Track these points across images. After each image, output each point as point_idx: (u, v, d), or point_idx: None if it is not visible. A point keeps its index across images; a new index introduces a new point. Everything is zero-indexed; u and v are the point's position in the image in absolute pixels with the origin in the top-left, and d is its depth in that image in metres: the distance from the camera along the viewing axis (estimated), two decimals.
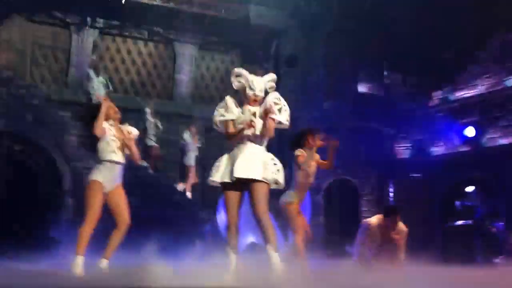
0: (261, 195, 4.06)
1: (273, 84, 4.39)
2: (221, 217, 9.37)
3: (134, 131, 4.97)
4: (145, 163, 10.37)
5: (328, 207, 11.50)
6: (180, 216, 9.57)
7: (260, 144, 4.20)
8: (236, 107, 4.31)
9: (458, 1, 12.83)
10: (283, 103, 4.25)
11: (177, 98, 12.54)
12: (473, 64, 12.09)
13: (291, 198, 5.43)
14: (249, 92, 4.26)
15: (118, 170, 4.78)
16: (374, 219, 6.38)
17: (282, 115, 4.21)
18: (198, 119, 12.09)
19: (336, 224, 11.10)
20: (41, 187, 10.99)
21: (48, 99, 11.10)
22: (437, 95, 12.75)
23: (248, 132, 4.14)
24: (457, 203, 10.72)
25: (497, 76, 11.46)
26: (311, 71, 12.71)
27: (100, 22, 12.13)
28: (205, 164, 11.76)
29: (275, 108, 4.17)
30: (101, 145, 4.74)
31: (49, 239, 8.68)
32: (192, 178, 10.76)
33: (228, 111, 4.30)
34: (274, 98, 4.26)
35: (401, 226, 6.26)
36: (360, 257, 6.22)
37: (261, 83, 4.31)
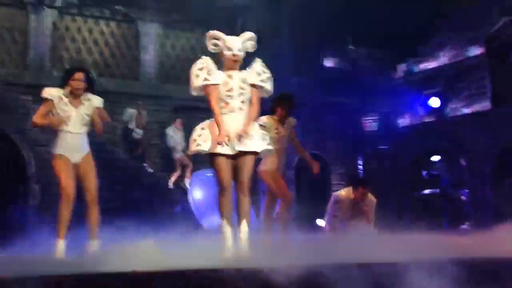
0: (251, 166, 3.96)
1: (254, 43, 4.11)
2: (193, 197, 9.35)
3: (97, 101, 4.74)
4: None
5: (299, 182, 11.60)
6: (151, 197, 9.49)
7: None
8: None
9: None
10: (268, 71, 4.09)
11: (142, 78, 12.31)
12: (435, 36, 12.27)
13: (265, 166, 5.43)
14: (227, 53, 3.97)
15: (76, 140, 4.56)
16: (344, 192, 6.48)
17: (269, 83, 4.06)
18: (166, 99, 11.96)
19: (307, 199, 11.23)
20: (4, 174, 10.71)
21: (8, 83, 10.75)
22: (401, 68, 12.93)
23: (237, 102, 3.94)
24: (424, 172, 10.99)
25: (459, 46, 11.66)
26: (277, 47, 12.67)
27: (59, 1, 11.73)
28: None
29: (265, 76, 4.02)
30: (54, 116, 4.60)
31: (16, 225, 8.49)
32: (179, 169, 10.75)
33: (212, 74, 3.99)
34: (261, 65, 4.07)
35: (370, 197, 6.38)
36: (331, 229, 6.33)
37: (238, 42, 4.01)
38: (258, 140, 3.95)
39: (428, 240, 4.82)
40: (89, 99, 4.68)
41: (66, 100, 4.57)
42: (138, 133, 10.79)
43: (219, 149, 3.87)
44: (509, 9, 10.63)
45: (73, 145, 4.56)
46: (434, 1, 12.29)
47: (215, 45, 4.04)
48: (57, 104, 4.55)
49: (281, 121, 5.52)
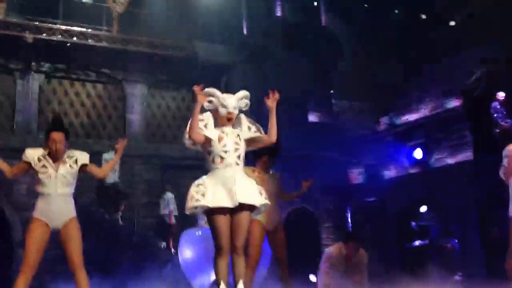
0: (247, 226, 3.91)
1: (248, 102, 4.12)
2: (182, 257, 9.21)
3: (82, 157, 4.52)
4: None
5: (288, 237, 11.51)
6: (140, 257, 9.35)
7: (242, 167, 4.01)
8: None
9: (395, 30, 13.49)
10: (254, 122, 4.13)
11: (130, 138, 12.35)
12: (415, 88, 12.62)
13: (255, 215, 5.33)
14: (222, 110, 3.97)
15: (57, 203, 4.29)
16: (335, 248, 6.43)
17: (262, 131, 4.09)
18: (154, 158, 12.00)
19: (297, 254, 11.11)
20: None
21: None
22: (384, 120, 13.19)
23: (233, 158, 3.93)
24: (413, 223, 11.00)
25: (438, 99, 11.98)
26: (261, 103, 12.90)
27: (45, 66, 11.92)
28: (159, 202, 11.63)
29: (254, 127, 4.07)
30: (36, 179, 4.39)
31: None
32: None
33: (208, 128, 3.99)
34: (248, 119, 4.12)
35: (362, 252, 6.35)
36: (324, 287, 6.25)
37: (234, 100, 4.03)
38: (257, 194, 3.90)
39: None
40: (72, 157, 4.45)
41: (46, 160, 4.34)
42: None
43: (220, 202, 3.78)
44: (484, 61, 11.03)
45: (53, 209, 4.29)
46: (412, 55, 12.74)
47: (210, 101, 4.04)
48: (36, 165, 4.32)
49: (265, 170, 5.45)
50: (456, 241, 10.66)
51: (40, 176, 4.33)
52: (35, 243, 4.20)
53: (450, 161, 11.18)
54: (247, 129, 4.08)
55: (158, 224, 11.19)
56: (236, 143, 3.96)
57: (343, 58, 13.72)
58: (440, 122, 11.59)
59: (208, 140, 3.94)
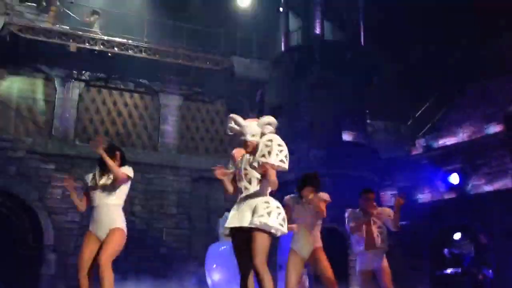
0: (258, 244, 3.85)
1: (270, 127, 4.11)
2: (209, 269, 9.16)
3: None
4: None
5: None
6: (167, 268, 9.37)
7: (260, 192, 3.99)
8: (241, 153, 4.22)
9: (437, 49, 13.24)
10: (276, 144, 4.01)
11: (162, 148, 12.51)
12: (454, 111, 12.34)
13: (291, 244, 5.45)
14: (241, 139, 4.11)
15: (101, 212, 4.58)
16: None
17: (272, 157, 3.96)
18: (184, 170, 12.06)
19: None
20: (22, 241, 10.71)
21: (32, 151, 11.01)
22: (420, 143, 12.93)
23: (243, 183, 4.01)
24: (446, 250, 10.69)
25: (478, 123, 11.68)
26: (296, 120, 12.85)
27: (86, 74, 12.20)
28: (191, 214, 11.67)
29: (265, 151, 3.99)
30: None
31: None
32: None
33: (231, 163, 4.30)
34: (266, 140, 4.05)
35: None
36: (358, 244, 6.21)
37: (254, 127, 4.09)
38: (251, 215, 3.93)
39: None
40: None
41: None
42: None
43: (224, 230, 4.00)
44: None
45: (99, 219, 4.62)
46: (452, 76, 12.47)
47: (233, 128, 4.14)
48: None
49: (307, 200, 5.47)
50: (490, 271, 10.30)
51: (91, 189, 4.74)
52: (83, 248, 4.63)
53: (488, 188, 10.85)
54: (259, 153, 4.05)
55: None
56: (245, 169, 4.04)
57: (381, 77, 13.56)
58: (479, 147, 11.28)
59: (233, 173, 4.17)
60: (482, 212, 10.51)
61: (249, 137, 4.08)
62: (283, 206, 4.43)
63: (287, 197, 5.51)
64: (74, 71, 11.99)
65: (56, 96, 11.86)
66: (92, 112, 12.28)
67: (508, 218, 9.96)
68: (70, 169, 10.66)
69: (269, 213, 3.89)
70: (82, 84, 12.13)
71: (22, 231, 10.87)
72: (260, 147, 4.06)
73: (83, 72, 12.11)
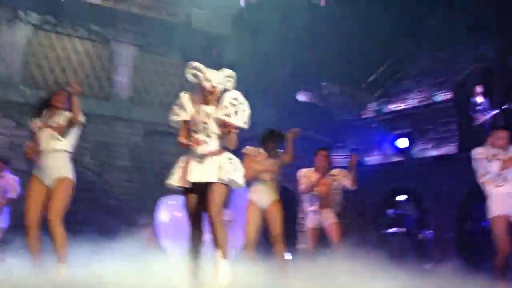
0: (216, 196, 3.89)
1: (233, 82, 4.13)
2: (160, 221, 9.16)
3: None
4: None
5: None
6: (116, 221, 9.28)
7: (217, 145, 4.02)
8: (195, 103, 4.09)
9: (391, 18, 13.37)
10: (239, 102, 4.01)
11: (114, 100, 12.17)
12: (406, 79, 12.61)
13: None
14: (205, 84, 4.02)
15: (48, 160, 4.44)
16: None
17: (239, 117, 3.96)
18: (137, 122, 11.83)
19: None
20: None
21: None
22: (371, 107, 13.19)
23: (201, 137, 3.99)
24: (390, 211, 11.11)
25: (428, 90, 12.01)
26: (252, 77, 12.77)
27: (34, 17, 11.55)
28: (143, 167, 11.51)
29: (231, 110, 3.95)
30: None
31: None
32: None
33: (182, 110, 4.12)
34: (230, 98, 4.01)
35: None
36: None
37: (218, 75, 4.08)
38: (218, 170, 3.96)
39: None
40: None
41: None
42: None
43: (179, 182, 4.08)
44: (477, 58, 11.04)
45: (46, 166, 4.46)
46: (405, 45, 12.68)
47: (195, 75, 4.07)
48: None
49: (270, 155, 5.58)
50: (430, 232, 10.81)
51: (38, 135, 4.62)
52: (30, 197, 4.55)
53: (433, 153, 11.26)
54: (223, 108, 4.02)
55: None
56: (204, 122, 4.00)
57: (338, 40, 13.59)
58: (427, 113, 11.64)
59: (184, 122, 4.10)
60: (426, 176, 10.94)
61: (215, 83, 4.01)
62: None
63: (250, 148, 5.56)
64: (20, 12, 11.33)
65: (1, 38, 11.22)
66: (40, 57, 11.72)
67: (451, 181, 10.41)
68: (16, 116, 10.22)
69: (234, 169, 3.96)
70: (30, 27, 11.50)
71: None
72: (225, 103, 4.02)
73: (31, 13, 11.46)
